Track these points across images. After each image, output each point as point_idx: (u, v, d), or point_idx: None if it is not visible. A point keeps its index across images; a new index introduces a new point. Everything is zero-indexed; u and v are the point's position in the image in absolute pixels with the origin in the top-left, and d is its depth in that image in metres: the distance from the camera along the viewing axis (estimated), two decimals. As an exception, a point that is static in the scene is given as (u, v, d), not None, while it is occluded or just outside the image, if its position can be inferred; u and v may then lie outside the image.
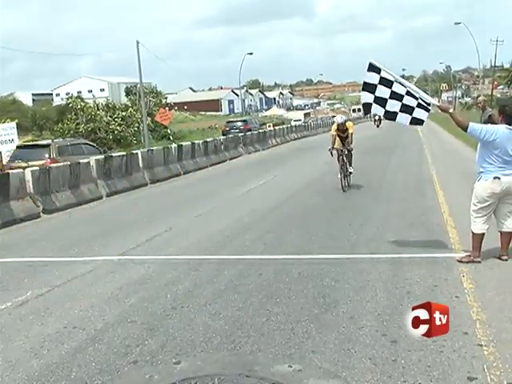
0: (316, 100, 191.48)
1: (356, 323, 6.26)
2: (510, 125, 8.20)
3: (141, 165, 22.17)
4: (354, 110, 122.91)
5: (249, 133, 41.62)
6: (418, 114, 8.84)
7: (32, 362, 5.80)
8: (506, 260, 8.40)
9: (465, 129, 8.32)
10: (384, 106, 8.96)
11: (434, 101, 9.16)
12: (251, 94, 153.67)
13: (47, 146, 22.64)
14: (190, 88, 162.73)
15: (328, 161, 25.84)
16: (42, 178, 16.25)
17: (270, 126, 58.73)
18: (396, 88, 8.94)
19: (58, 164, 18.39)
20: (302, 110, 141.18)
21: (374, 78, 9.03)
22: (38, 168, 16.87)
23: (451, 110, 8.66)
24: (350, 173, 17.14)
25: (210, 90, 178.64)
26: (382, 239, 10.21)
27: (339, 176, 16.62)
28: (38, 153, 22.03)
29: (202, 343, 5.95)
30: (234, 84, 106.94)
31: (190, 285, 8.10)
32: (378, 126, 61.57)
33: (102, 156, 20.69)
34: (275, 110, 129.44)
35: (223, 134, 46.54)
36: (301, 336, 5.99)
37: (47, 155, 21.61)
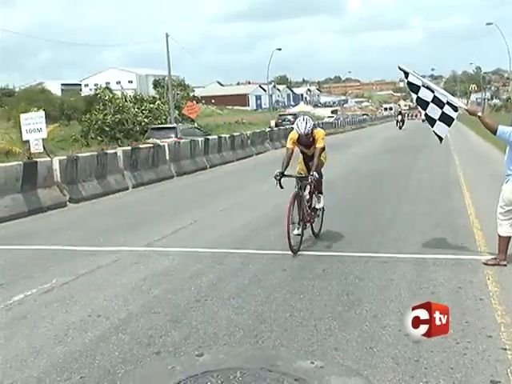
0: (343, 97, 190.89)
1: (379, 322, 6.26)
2: None
3: (167, 157, 22.25)
4: (385, 109, 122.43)
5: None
6: (446, 116, 8.79)
7: (56, 348, 5.86)
8: None
9: (494, 132, 8.28)
10: (425, 109, 8.90)
11: (462, 104, 9.15)
12: (279, 90, 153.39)
13: (173, 128, 30.38)
14: (218, 82, 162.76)
15: (354, 159, 25.81)
16: (70, 168, 16.38)
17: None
18: (422, 93, 8.91)
19: (85, 154, 18.58)
20: (330, 107, 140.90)
21: (417, 81, 8.97)
22: (65, 157, 17.04)
23: (479, 114, 8.61)
24: (317, 210, 10.45)
25: (237, 84, 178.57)
26: (407, 239, 10.18)
27: (289, 229, 9.44)
28: (167, 133, 28.68)
29: (225, 336, 5.97)
30: (262, 79, 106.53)
31: (213, 278, 8.13)
32: (400, 128, 57.16)
33: (129, 148, 20.80)
34: (302, 107, 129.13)
35: (276, 126, 54.00)
36: (323, 333, 5.99)
37: (173, 135, 27.96)
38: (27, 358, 5.65)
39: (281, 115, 69.01)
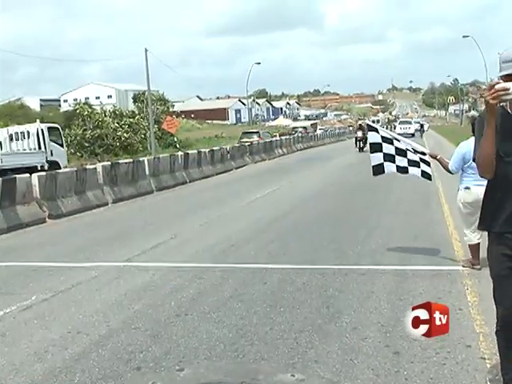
0: (323, 110, 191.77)
1: (359, 334, 6.27)
2: None
3: (147, 172, 22.22)
4: (373, 121, 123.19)
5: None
6: (424, 167, 9.55)
7: (35, 366, 5.81)
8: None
9: (449, 170, 8.92)
10: (394, 162, 9.69)
11: (424, 149, 9.76)
12: (258, 104, 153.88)
13: (256, 132, 55.01)
14: (198, 96, 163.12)
15: (333, 172, 25.94)
16: (49, 183, 16.31)
17: (275, 136, 58.90)
18: (397, 144, 9.69)
19: (65, 170, 18.53)
20: (308, 120, 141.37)
21: (376, 137, 9.72)
22: (44, 173, 16.98)
23: (438, 157, 9.18)
24: None
25: (217, 98, 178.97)
26: (387, 251, 10.21)
27: None
28: (253, 135, 50.06)
29: (206, 351, 5.96)
30: (242, 93, 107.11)
31: (194, 292, 8.12)
32: (361, 149, 41.61)
33: (109, 163, 20.76)
34: (282, 120, 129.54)
35: (289, 134, 62.07)
36: (304, 346, 6.00)
37: (256, 136, 49.22)
38: (6, 376, 5.60)
39: (294, 128, 74.04)
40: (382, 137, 9.80)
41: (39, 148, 31.58)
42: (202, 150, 29.64)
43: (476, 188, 8.48)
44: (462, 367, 5.40)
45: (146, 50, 47.02)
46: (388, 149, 9.71)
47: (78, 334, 6.67)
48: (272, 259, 9.86)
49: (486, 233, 4.41)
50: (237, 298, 7.77)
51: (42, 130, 32.03)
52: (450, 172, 8.96)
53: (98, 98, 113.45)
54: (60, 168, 26.17)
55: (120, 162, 21.55)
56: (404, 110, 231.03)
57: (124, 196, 19.72)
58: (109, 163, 20.63)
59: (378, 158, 9.78)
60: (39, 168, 27.65)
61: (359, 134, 43.17)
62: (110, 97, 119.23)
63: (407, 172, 9.76)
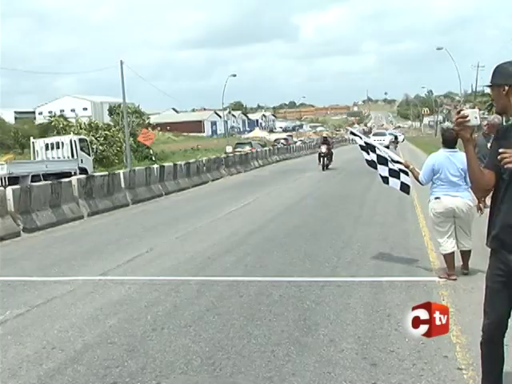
0: (298, 122, 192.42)
1: (336, 346, 6.27)
2: (449, 148, 8.89)
3: (123, 185, 22.10)
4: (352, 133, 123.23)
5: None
6: (404, 178, 9.68)
7: (9, 383, 5.74)
8: (466, 274, 8.91)
9: (419, 181, 9.10)
10: (376, 168, 9.92)
11: (399, 158, 9.93)
12: (234, 116, 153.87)
13: (249, 143, 60.09)
14: (173, 109, 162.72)
15: (309, 184, 25.98)
16: (23, 197, 16.16)
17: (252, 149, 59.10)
18: (378, 152, 9.85)
19: (40, 183, 18.37)
20: (285, 132, 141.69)
21: (361, 142, 9.89)
22: (19, 187, 16.82)
23: (411, 167, 9.37)
24: None
25: (192, 111, 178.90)
26: (363, 262, 10.25)
27: None
28: (245, 145, 54.78)
29: (182, 365, 5.93)
30: (217, 105, 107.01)
31: (170, 306, 8.07)
32: (325, 167, 34.85)
33: (84, 176, 20.64)
34: (258, 132, 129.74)
35: (272, 146, 65.41)
36: (281, 359, 5.98)
37: (248, 147, 53.58)
38: (-20, 393, 5.53)
39: (238, 143, 67.46)
40: (366, 143, 9.92)
41: (72, 156, 36.93)
42: (178, 162, 29.58)
43: (446, 198, 8.77)
44: (439, 378, 5.42)
45: (122, 63, 46.89)
46: (371, 157, 9.80)
47: (52, 349, 6.60)
48: (248, 272, 9.85)
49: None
50: (213, 311, 7.74)
51: (74, 141, 37.88)
52: (420, 183, 9.09)
53: (73, 110, 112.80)
54: (88, 173, 29.20)
55: (95, 174, 21.44)
56: (379, 122, 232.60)
57: (99, 209, 19.59)
58: (84, 176, 20.51)
59: (368, 156, 9.89)
60: (72, 173, 31.09)
61: (323, 148, 35.34)
62: (85, 109, 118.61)
63: (388, 183, 9.85)
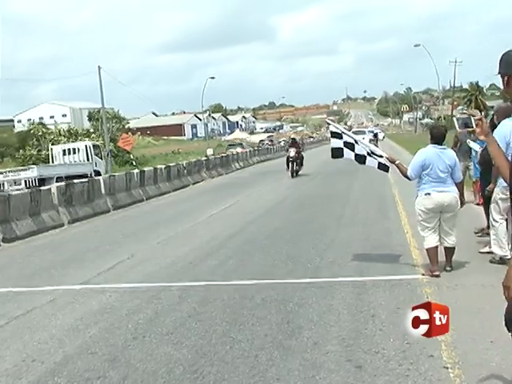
0: (279, 123, 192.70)
1: (320, 349, 6.19)
2: (437, 144, 8.96)
3: (103, 191, 21.92)
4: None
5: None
6: (383, 160, 9.52)
7: (-12, 398, 5.62)
8: (450, 271, 8.87)
9: (407, 177, 9.06)
10: (353, 150, 9.63)
11: (383, 153, 9.71)
12: (214, 118, 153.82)
13: (240, 144, 70.21)
14: (153, 113, 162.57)
15: (290, 185, 25.95)
16: (2, 206, 15.96)
17: (223, 153, 59.50)
18: (346, 139, 9.76)
19: (18, 192, 18.19)
20: (266, 133, 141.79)
21: (338, 129, 9.91)
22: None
23: (397, 162, 9.28)
24: None
25: (172, 114, 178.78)
26: (346, 262, 10.17)
27: None
28: (236, 147, 62.51)
29: (165, 374, 5.82)
30: (197, 108, 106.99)
31: (151, 313, 7.95)
32: (294, 174, 30.35)
33: (63, 183, 20.45)
34: (238, 134, 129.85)
35: (258, 146, 71.22)
36: (265, 363, 5.89)
37: (240, 148, 61.02)
38: (-43, 410, 5.40)
39: (230, 145, 72.73)
40: (343, 132, 9.90)
41: (87, 160, 41.49)
42: (158, 166, 29.46)
43: (436, 194, 8.80)
44: (426, 378, 5.36)
45: (99, 68, 46.80)
46: (349, 138, 9.74)
47: (32, 362, 6.47)
48: (230, 276, 9.74)
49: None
50: (195, 317, 7.63)
51: (89, 146, 42.76)
52: (408, 178, 9.06)
53: (52, 117, 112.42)
54: (101, 175, 32.48)
55: (75, 181, 21.24)
56: (359, 120, 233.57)
57: (80, 216, 19.40)
58: (63, 183, 20.31)
59: (338, 143, 9.77)
60: (89, 175, 34.97)
61: (291, 152, 30.61)
62: (64, 116, 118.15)
63: (364, 162, 9.66)
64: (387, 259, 10.19)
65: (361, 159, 9.63)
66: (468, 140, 12.86)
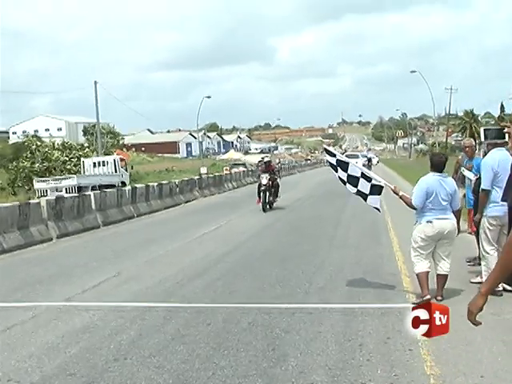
0: (274, 144, 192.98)
1: (306, 378, 6.01)
2: (437, 172, 8.90)
3: (93, 206, 21.71)
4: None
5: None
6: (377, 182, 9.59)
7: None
8: (440, 301, 8.50)
9: (412, 206, 8.96)
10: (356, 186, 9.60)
11: (386, 183, 9.70)
12: (209, 137, 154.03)
13: (243, 164, 70.88)
14: (148, 129, 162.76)
15: (281, 206, 25.77)
16: (-10, 219, 15.78)
17: (226, 170, 59.66)
18: (351, 170, 9.65)
19: (7, 204, 17.98)
20: (261, 153, 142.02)
21: (333, 161, 9.79)
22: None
23: (400, 194, 9.29)
24: None
25: (168, 132, 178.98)
26: (335, 288, 10.01)
27: None
28: (239, 166, 62.90)
29: (144, 399, 5.62)
30: (192, 127, 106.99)
31: (134, 334, 7.75)
32: (267, 207, 23.95)
33: (53, 197, 20.27)
34: (233, 154, 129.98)
35: (257, 166, 73.67)
36: (248, 392, 5.70)
37: (242, 167, 60.39)
38: None
39: (234, 164, 73.63)
40: (338, 160, 9.83)
41: (115, 172, 47.58)
42: (150, 183, 29.31)
43: (437, 221, 8.75)
44: (412, 413, 5.18)
45: (96, 83, 46.77)
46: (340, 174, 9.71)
47: (8, 381, 6.27)
48: (217, 298, 9.56)
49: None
50: (179, 339, 7.43)
51: (117, 160, 49.17)
52: (414, 208, 8.98)
53: (47, 130, 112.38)
54: (126, 185, 37.15)
55: (65, 196, 21.08)
56: (354, 144, 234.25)
57: (69, 231, 19.20)
58: (53, 198, 20.12)
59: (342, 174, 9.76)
60: (116, 185, 40.13)
61: (263, 179, 24.22)
62: (59, 129, 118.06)
63: (365, 199, 9.73)
64: (377, 286, 10.02)
65: (363, 196, 9.65)
66: (462, 168, 12.77)
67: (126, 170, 49.62)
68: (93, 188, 37.54)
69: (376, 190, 9.57)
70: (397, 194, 9.32)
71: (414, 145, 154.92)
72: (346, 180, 9.63)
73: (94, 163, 49.00)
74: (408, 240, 13.80)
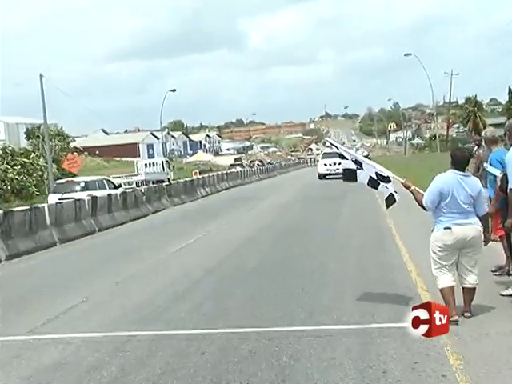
0: (248, 143, 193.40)
1: (327, 414, 5.89)
2: (459, 170, 8.74)
3: (48, 221, 21.45)
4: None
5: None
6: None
7: None
8: (469, 317, 8.56)
9: (423, 206, 8.93)
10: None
11: (397, 177, 9.87)
12: (173, 137, 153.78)
13: (241, 164, 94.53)
14: (103, 130, 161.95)
15: (267, 213, 25.72)
16: None
17: (196, 174, 60.34)
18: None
19: None
20: (234, 154, 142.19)
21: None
22: None
23: (412, 188, 9.22)
24: None
25: (125, 132, 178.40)
26: (343, 306, 9.93)
27: None
28: (236, 167, 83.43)
29: None
30: (154, 126, 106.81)
31: (116, 370, 7.57)
32: None
33: (0, 211, 19.99)
34: (201, 155, 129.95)
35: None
36: None
37: (239, 168, 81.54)
38: None
39: (231, 165, 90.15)
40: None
41: (163, 170, 65.81)
42: (113, 192, 29.11)
43: (457, 228, 8.55)
44: None
45: (42, 76, 46.10)
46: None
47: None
48: (208, 322, 9.44)
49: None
50: (170, 374, 7.29)
51: (164, 161, 69.54)
52: (424, 208, 8.89)
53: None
54: (171, 182, 44.05)
55: (14, 209, 20.80)
56: (340, 140, 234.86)
57: (20, 251, 18.94)
58: (0, 212, 19.86)
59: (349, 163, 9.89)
60: (165, 181, 52.77)
61: None
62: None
63: (377, 188, 9.95)
64: (392, 302, 9.94)
65: (374, 184, 9.86)
66: (485, 164, 12.57)
67: (170, 170, 67.10)
68: (152, 182, 52.14)
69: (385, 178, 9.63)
70: (408, 188, 9.21)
71: (409, 139, 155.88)
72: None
73: (146, 164, 69.88)
74: (417, 248, 13.84)
